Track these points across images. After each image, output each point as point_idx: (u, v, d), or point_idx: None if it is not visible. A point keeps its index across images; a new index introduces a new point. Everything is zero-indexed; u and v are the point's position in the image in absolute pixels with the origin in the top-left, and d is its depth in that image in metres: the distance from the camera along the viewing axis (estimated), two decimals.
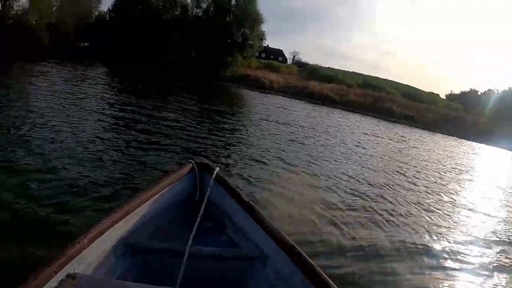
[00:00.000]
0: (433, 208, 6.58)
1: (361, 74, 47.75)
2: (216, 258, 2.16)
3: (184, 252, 2.05)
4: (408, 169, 10.22)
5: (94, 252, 1.81)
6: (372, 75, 48.53)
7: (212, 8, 37.19)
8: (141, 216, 2.26)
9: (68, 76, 19.74)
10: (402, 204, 6.29)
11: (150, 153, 6.27)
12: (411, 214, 5.89)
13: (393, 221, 5.27)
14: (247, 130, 11.47)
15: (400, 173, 9.30)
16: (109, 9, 37.70)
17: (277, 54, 59.83)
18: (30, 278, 1.39)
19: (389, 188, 7.31)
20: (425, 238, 4.93)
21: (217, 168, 2.78)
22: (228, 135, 9.72)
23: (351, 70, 49.43)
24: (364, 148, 12.40)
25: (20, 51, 31.76)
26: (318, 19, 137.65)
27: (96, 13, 38.19)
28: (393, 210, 5.79)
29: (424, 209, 6.36)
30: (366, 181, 7.37)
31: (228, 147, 8.20)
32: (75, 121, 7.67)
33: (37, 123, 6.86)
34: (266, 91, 36.11)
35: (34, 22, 36.44)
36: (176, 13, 36.64)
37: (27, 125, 6.58)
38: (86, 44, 36.56)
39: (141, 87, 20.71)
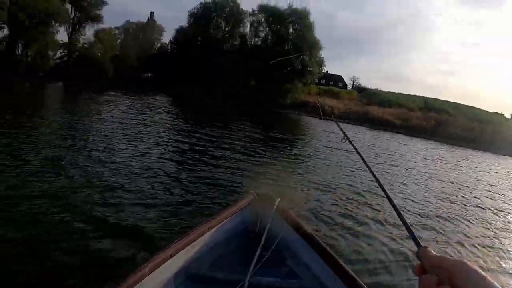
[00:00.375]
0: None
1: (422, 96, 46.09)
2: None
3: (244, 282, 2.05)
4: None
5: (155, 280, 1.85)
6: (434, 97, 46.90)
7: (270, 37, 37.41)
8: (202, 246, 2.27)
9: (133, 105, 20.74)
10: None
11: (214, 181, 6.40)
12: None
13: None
14: (311, 158, 11.16)
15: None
16: (170, 41, 39.09)
17: (337, 80, 59.55)
18: None
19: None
20: None
21: (278, 199, 2.71)
22: (292, 163, 9.54)
23: (412, 93, 47.92)
24: (439, 181, 11.29)
25: (87, 82, 33.45)
26: (376, 42, 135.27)
27: (158, 45, 39.55)
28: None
29: None
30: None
31: (293, 175, 7.98)
32: (141, 148, 8.41)
33: (107, 148, 7.77)
34: (327, 117, 35.40)
35: (99, 54, 38.31)
36: (236, 43, 37.18)
37: (99, 149, 7.59)
38: (149, 74, 37.83)
39: (203, 116, 21.20)
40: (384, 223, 5.47)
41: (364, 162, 1.34)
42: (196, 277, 2.20)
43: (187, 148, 9.57)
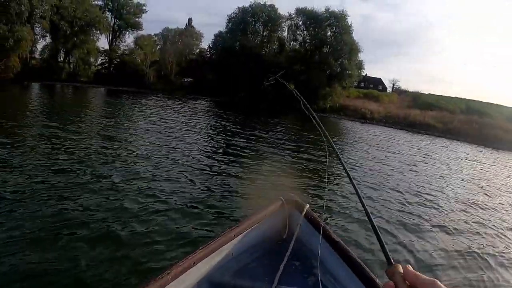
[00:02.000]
0: None
1: (464, 98, 45.24)
2: None
3: None
4: None
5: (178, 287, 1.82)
6: (476, 99, 45.82)
7: (308, 40, 37.56)
8: (227, 254, 2.22)
9: (174, 108, 21.71)
10: None
11: (250, 185, 6.90)
12: None
13: None
14: (352, 164, 11.38)
15: None
16: (209, 46, 39.72)
17: (376, 82, 59.31)
18: None
19: None
20: None
21: (307, 206, 2.59)
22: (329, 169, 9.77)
23: (453, 96, 47.03)
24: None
25: (128, 87, 34.49)
26: (416, 43, 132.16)
27: (197, 50, 40.31)
28: None
29: None
30: None
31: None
32: (183, 149, 9.53)
33: (150, 148, 9.01)
34: (367, 121, 35.22)
35: (139, 60, 39.38)
36: (274, 47, 37.49)
37: (143, 149, 8.86)
38: (189, 79, 38.51)
39: (243, 118, 21.81)
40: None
41: (345, 170, 1.30)
42: (220, 285, 2.15)
43: (231, 149, 10.43)
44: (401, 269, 0.67)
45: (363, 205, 1.03)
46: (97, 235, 4.01)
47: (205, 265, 2.06)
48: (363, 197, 1.08)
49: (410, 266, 0.67)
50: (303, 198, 2.70)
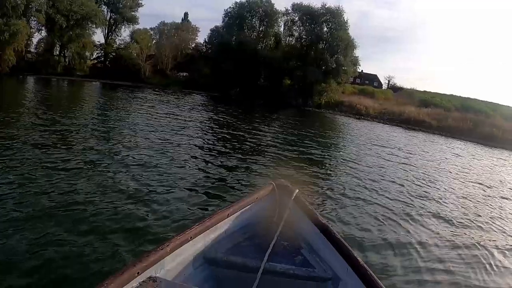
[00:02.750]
0: None
1: (459, 96, 45.41)
2: (289, 276, 2.25)
3: (259, 268, 2.19)
4: None
5: (175, 260, 1.99)
6: (471, 97, 45.90)
7: (304, 36, 37.67)
8: (221, 232, 2.41)
9: (170, 102, 22.05)
10: None
11: (243, 171, 7.39)
12: None
13: None
14: (340, 153, 12.04)
15: None
16: (205, 41, 39.78)
17: (372, 79, 59.27)
18: (115, 276, 1.55)
19: None
20: None
21: (297, 190, 2.80)
22: (324, 160, 10.26)
23: (448, 93, 47.14)
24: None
25: (123, 81, 34.59)
26: (412, 40, 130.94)
27: (193, 45, 40.41)
28: None
29: None
30: None
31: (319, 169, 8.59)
32: (178, 139, 9.94)
33: (146, 137, 9.44)
34: (362, 117, 35.44)
35: (135, 54, 39.41)
36: (270, 42, 37.60)
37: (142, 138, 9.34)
38: (184, 74, 38.61)
39: (240, 113, 22.09)
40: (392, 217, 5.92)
41: None
42: (214, 260, 2.29)
43: (217, 140, 10.86)
44: None
45: None
46: (94, 214, 4.34)
47: (200, 241, 2.22)
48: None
49: None
50: (293, 183, 2.93)
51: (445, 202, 7.79)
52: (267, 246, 2.44)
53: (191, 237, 2.08)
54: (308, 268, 2.39)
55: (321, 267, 2.41)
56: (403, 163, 12.05)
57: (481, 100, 44.57)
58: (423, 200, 7.54)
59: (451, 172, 12.11)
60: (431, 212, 6.70)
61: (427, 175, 10.70)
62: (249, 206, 2.65)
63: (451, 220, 6.39)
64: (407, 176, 9.87)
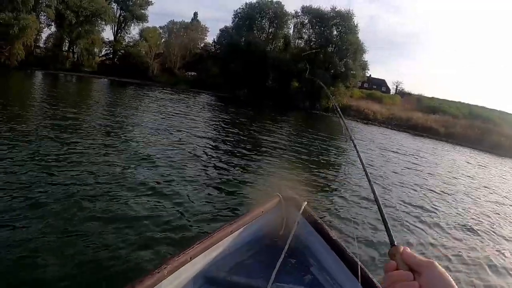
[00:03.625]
0: None
1: (467, 104, 45.16)
2: None
3: None
4: None
5: (173, 282, 1.84)
6: (479, 104, 45.68)
7: (313, 39, 37.50)
8: (223, 250, 2.24)
9: (181, 101, 21.90)
10: None
11: (249, 176, 7.03)
12: None
13: None
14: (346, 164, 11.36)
15: None
16: (214, 41, 39.66)
17: (380, 84, 59.30)
18: None
19: None
20: None
21: (305, 203, 2.60)
22: (331, 167, 9.76)
23: (456, 100, 46.90)
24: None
25: (131, 79, 34.50)
26: (421, 45, 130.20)
27: (202, 45, 40.25)
28: None
29: None
30: None
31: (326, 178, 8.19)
32: (192, 138, 9.90)
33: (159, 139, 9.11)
34: (370, 122, 35.25)
35: (144, 52, 39.33)
36: (279, 44, 37.43)
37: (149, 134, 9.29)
38: (192, 73, 38.49)
39: (249, 113, 22.14)
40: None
41: (362, 164, 1.23)
42: (216, 281, 2.14)
43: (223, 141, 10.71)
44: (401, 250, 0.69)
45: (372, 190, 1.01)
46: (102, 208, 4.26)
47: (201, 261, 2.06)
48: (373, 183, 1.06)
49: (408, 248, 0.69)
50: (301, 195, 2.74)
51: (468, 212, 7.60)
52: (274, 264, 2.26)
53: (190, 258, 1.93)
54: None
55: (331, 287, 2.26)
56: (417, 170, 11.86)
57: (489, 108, 44.33)
58: (443, 209, 7.36)
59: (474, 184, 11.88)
60: (459, 224, 6.49)
61: (445, 184, 10.50)
62: (253, 221, 2.46)
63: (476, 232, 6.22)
64: (423, 183, 9.71)
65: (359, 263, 2.11)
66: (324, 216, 5.30)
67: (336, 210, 5.91)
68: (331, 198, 6.63)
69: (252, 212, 2.49)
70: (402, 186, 8.83)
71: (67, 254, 3.18)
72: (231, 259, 2.34)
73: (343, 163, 11.32)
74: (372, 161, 12.00)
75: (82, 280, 2.90)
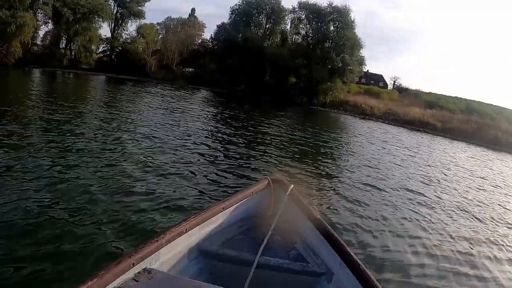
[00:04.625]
0: None
1: (464, 98, 45.22)
2: (283, 270, 2.26)
3: (253, 261, 2.20)
4: None
5: (170, 252, 2.01)
6: (476, 99, 45.67)
7: (310, 34, 37.50)
8: (216, 225, 2.43)
9: (179, 97, 22.21)
10: None
11: (243, 164, 7.42)
12: None
13: None
14: (339, 151, 11.96)
15: None
16: (211, 37, 39.67)
17: (377, 79, 59.06)
18: (110, 266, 1.56)
19: None
20: None
21: (292, 185, 2.80)
22: (327, 159, 10.05)
23: (453, 95, 46.92)
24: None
25: (129, 76, 34.51)
26: (418, 41, 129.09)
27: (199, 41, 40.23)
28: None
29: None
30: None
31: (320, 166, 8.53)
32: (182, 130, 10.14)
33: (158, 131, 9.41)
34: (367, 117, 35.33)
35: (141, 49, 39.30)
36: (276, 40, 37.43)
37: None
38: (190, 69, 38.53)
39: (247, 108, 22.30)
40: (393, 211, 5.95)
41: None
42: (208, 253, 2.32)
43: (220, 134, 10.99)
44: None
45: None
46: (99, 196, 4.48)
47: (195, 233, 2.25)
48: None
49: None
50: (288, 178, 2.95)
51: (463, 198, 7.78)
52: (262, 240, 2.44)
53: (186, 230, 2.10)
54: (302, 263, 2.41)
55: (315, 262, 2.43)
56: (413, 162, 12.05)
57: (486, 103, 44.39)
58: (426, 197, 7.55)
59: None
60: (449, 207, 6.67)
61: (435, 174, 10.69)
62: (244, 200, 2.66)
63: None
64: (414, 175, 9.88)
65: (340, 239, 2.31)
66: (313, 198, 5.65)
67: (325, 193, 6.33)
68: (322, 184, 7.00)
69: (243, 193, 2.69)
70: (400, 176, 9.17)
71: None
72: (223, 234, 2.53)
73: (338, 154, 11.61)
74: (370, 153, 12.30)
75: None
